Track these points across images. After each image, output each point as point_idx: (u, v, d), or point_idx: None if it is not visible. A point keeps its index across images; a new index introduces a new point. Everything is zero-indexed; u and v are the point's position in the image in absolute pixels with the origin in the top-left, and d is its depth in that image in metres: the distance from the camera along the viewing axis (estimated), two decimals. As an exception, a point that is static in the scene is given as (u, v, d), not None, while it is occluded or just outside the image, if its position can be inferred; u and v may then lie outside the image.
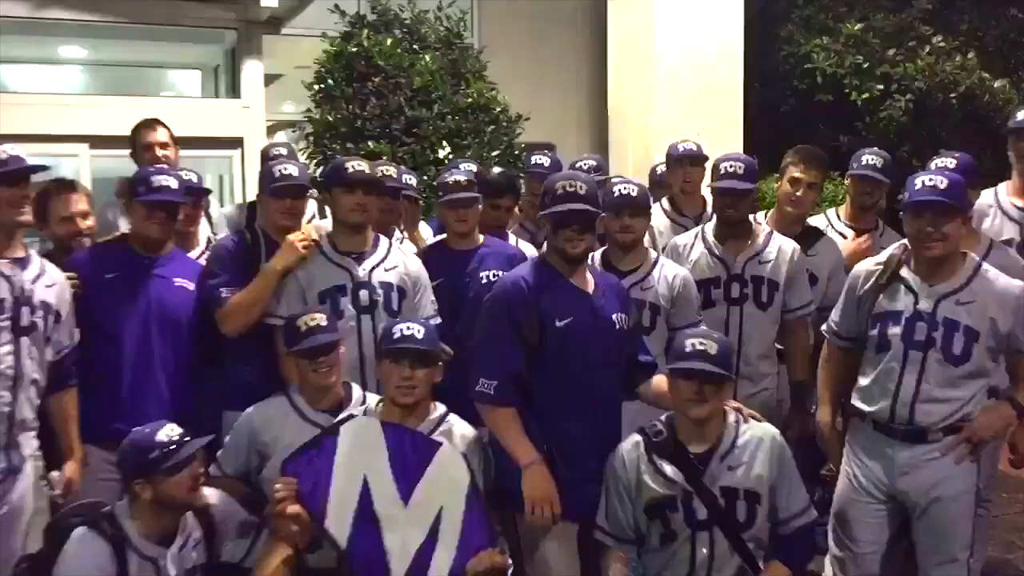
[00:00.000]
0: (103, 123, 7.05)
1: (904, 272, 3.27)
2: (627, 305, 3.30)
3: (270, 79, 9.34)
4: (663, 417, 3.08)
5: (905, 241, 3.33)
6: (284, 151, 4.75)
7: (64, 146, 7.25)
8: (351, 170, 3.56)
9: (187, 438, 2.89)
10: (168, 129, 4.66)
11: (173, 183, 3.56)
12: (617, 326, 3.17)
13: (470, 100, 6.89)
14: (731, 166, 3.90)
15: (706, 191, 4.78)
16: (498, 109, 7.04)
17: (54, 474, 3.29)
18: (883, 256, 3.38)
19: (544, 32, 9.44)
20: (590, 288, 3.16)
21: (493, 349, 3.06)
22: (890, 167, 4.38)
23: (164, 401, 3.51)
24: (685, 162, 4.76)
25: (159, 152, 4.50)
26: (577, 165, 4.75)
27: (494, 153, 6.76)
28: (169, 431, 2.87)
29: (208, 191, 4.27)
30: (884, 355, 3.24)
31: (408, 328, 3.11)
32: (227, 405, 3.66)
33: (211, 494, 3.07)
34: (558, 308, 3.05)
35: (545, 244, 3.34)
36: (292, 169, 3.73)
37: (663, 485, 2.96)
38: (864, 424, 3.35)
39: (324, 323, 3.28)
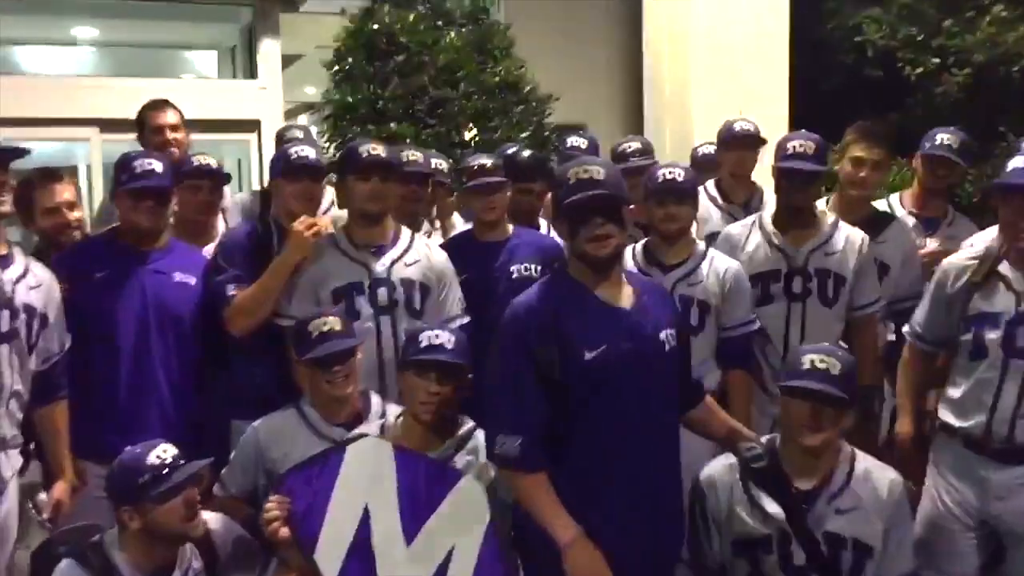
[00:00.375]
0: (114, 106, 6.78)
1: (1003, 268, 2.86)
2: (675, 314, 2.69)
3: (290, 60, 9.06)
4: (764, 439, 2.70)
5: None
6: (300, 133, 4.40)
7: (74, 130, 6.98)
8: (365, 154, 3.22)
9: (182, 460, 2.54)
10: (178, 111, 4.32)
11: (158, 166, 3.23)
12: (667, 347, 2.52)
13: (497, 79, 6.68)
14: (800, 145, 3.52)
15: (756, 177, 4.40)
16: (527, 88, 6.78)
17: (41, 496, 2.96)
18: (978, 249, 2.97)
19: (574, 6, 9.02)
20: (627, 302, 2.50)
21: (511, 398, 2.43)
22: (968, 148, 3.98)
23: (166, 409, 3.21)
24: (741, 143, 4.36)
25: (169, 135, 4.18)
26: (620, 149, 4.40)
27: (523, 135, 6.49)
28: (161, 452, 2.53)
29: (228, 176, 3.92)
30: (980, 363, 2.84)
31: (437, 336, 2.74)
32: (236, 413, 3.33)
33: (212, 519, 2.74)
34: (586, 334, 2.40)
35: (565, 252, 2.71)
36: (308, 151, 3.39)
37: (759, 521, 2.60)
38: (953, 441, 2.95)
39: (339, 327, 2.94)
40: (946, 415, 2.95)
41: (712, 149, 4.78)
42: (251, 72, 8.15)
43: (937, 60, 7.54)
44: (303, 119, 9.06)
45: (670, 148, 6.82)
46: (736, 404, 3.47)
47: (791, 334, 3.55)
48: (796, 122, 6.32)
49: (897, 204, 4.14)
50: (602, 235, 2.37)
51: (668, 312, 2.60)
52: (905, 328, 3.22)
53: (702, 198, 4.23)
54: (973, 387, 2.86)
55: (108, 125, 7.06)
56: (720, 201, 4.36)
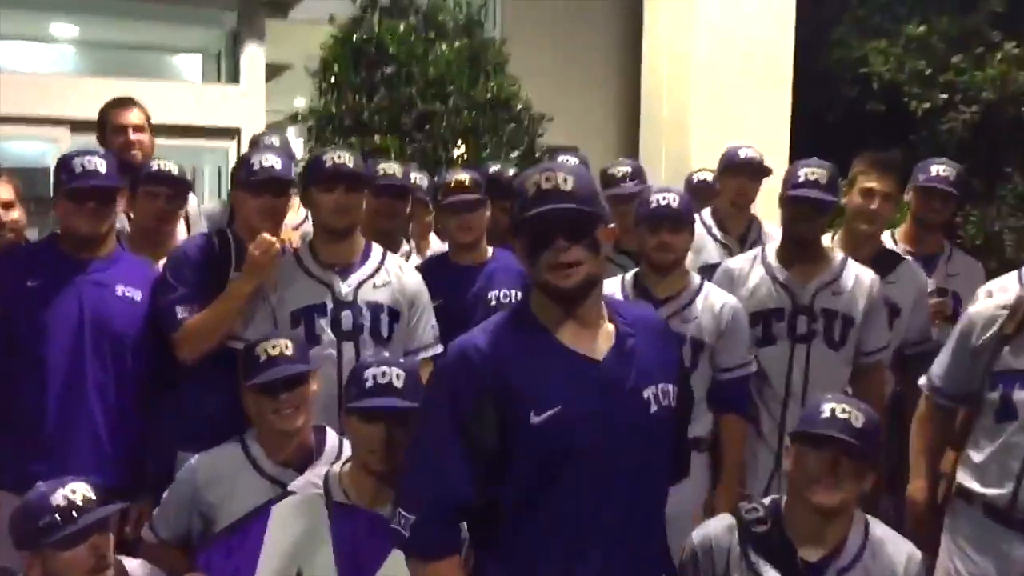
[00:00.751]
0: (88, 106, 6.35)
1: None
2: (675, 363, 2.08)
3: (279, 70, 8.81)
4: (766, 501, 2.39)
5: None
6: (275, 141, 4.07)
7: (44, 129, 6.66)
8: (328, 163, 2.93)
9: (92, 502, 2.21)
10: (144, 110, 4.00)
11: (102, 165, 2.92)
12: (653, 408, 1.93)
13: (489, 95, 6.33)
14: (812, 174, 3.26)
15: (755, 209, 4.15)
16: (520, 106, 6.44)
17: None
18: (1008, 296, 2.68)
19: (571, 23, 8.78)
20: (601, 348, 1.92)
21: (420, 465, 1.94)
22: (964, 181, 3.80)
23: (100, 439, 2.88)
24: (745, 171, 4.08)
25: (132, 136, 3.85)
26: (610, 172, 4.14)
27: (514, 154, 6.17)
28: (70, 492, 2.21)
29: (190, 184, 3.57)
30: (1008, 425, 2.54)
31: (384, 375, 2.40)
32: (184, 445, 2.98)
33: (134, 567, 2.41)
34: (537, 391, 1.86)
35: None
36: (273, 160, 3.07)
37: None
38: (973, 508, 2.64)
39: (289, 351, 2.63)
40: (966, 480, 2.65)
41: (709, 176, 4.51)
42: (235, 78, 7.87)
43: (945, 96, 7.34)
44: (291, 132, 8.76)
45: (665, 175, 6.57)
46: (729, 452, 3.20)
47: (793, 378, 3.31)
48: (796, 153, 6.07)
49: (889, 242, 3.89)
50: (567, 261, 1.83)
51: (666, 360, 2.00)
52: (922, 381, 2.92)
53: (697, 227, 4.00)
54: (999, 451, 2.56)
55: (80, 126, 6.73)
56: (716, 231, 4.10)
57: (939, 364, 2.84)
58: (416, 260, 3.62)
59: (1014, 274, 3.05)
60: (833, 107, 7.82)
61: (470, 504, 1.89)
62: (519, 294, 3.24)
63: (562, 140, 6.66)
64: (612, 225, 2.07)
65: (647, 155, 7.20)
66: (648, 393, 1.92)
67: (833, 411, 2.25)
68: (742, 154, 4.16)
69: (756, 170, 4.11)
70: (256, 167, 3.01)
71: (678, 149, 6.75)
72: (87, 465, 2.74)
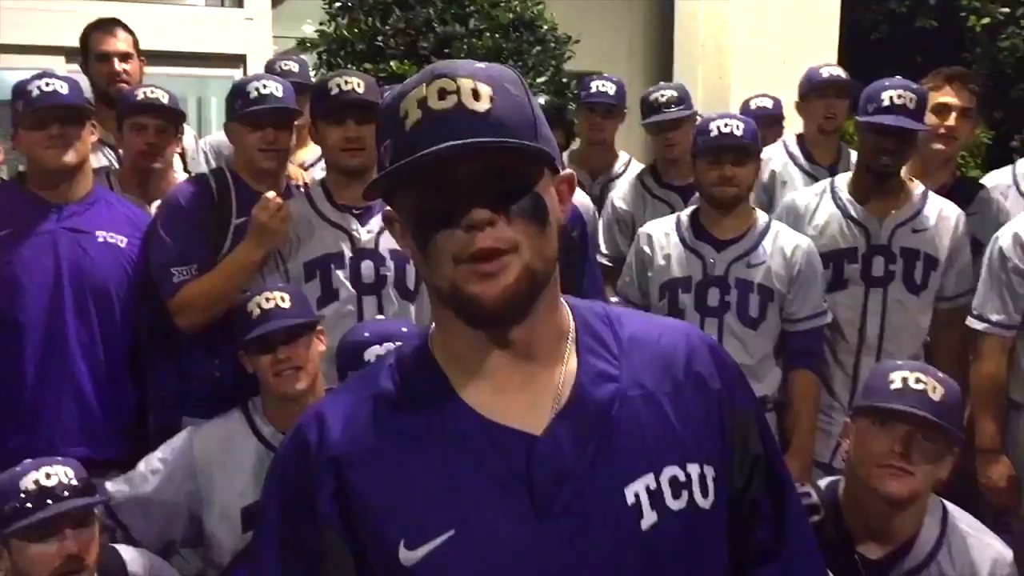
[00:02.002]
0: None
1: None
2: (713, 417, 1.09)
3: (287, -7, 8.31)
4: (822, 484, 2.03)
5: None
6: (295, 66, 3.64)
7: (37, 59, 6.23)
8: (335, 90, 2.56)
9: (71, 489, 1.90)
10: (132, 34, 3.56)
11: (63, 87, 2.57)
12: (648, 518, 1.02)
13: (512, 15, 5.88)
14: (899, 96, 2.87)
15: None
16: (545, 27, 5.99)
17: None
18: None
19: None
20: (541, 410, 1.03)
21: None
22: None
23: (87, 406, 2.59)
24: (831, 90, 3.64)
25: (117, 66, 3.41)
26: (652, 97, 3.77)
27: (540, 79, 5.77)
28: (44, 476, 1.92)
29: (182, 114, 3.12)
30: None
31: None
32: (186, 409, 2.70)
33: (133, 558, 2.11)
34: (412, 504, 1.01)
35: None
36: (273, 86, 2.68)
37: None
38: None
39: (285, 303, 2.32)
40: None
41: (769, 103, 4.08)
42: (239, 2, 7.41)
43: (1006, 10, 6.78)
44: (305, 60, 8.33)
45: (702, 101, 6.11)
46: (801, 414, 2.87)
47: (867, 326, 2.99)
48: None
49: None
50: (486, 247, 0.97)
51: (695, 418, 1.08)
52: (976, 324, 2.81)
53: (781, 156, 3.66)
54: None
55: (75, 55, 6.33)
56: (802, 161, 3.65)
57: (987, 300, 2.79)
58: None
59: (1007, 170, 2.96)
60: (880, 24, 7.29)
61: None
62: None
63: (588, 65, 6.23)
64: (569, 172, 1.11)
65: (682, 79, 6.75)
66: (636, 491, 1.02)
67: (905, 380, 1.89)
68: (825, 72, 3.72)
69: (842, 88, 3.68)
70: (254, 94, 2.63)
71: (716, 75, 6.31)
72: (71, 437, 2.50)
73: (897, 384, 1.88)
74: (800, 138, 3.71)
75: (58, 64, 6.51)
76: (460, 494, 1.00)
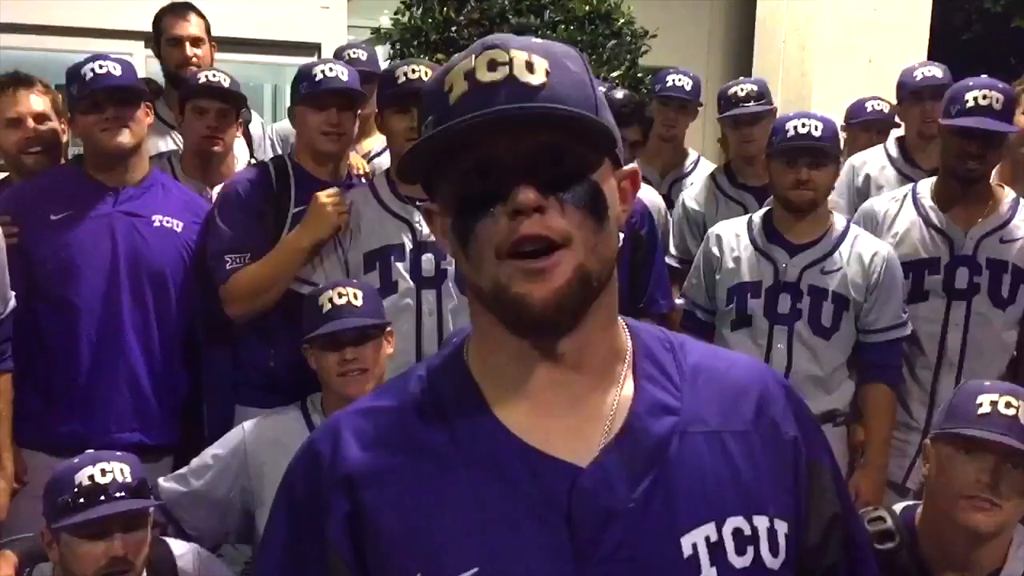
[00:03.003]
0: (162, 19, 6.12)
1: None
2: (785, 462, 0.96)
3: (364, -18, 8.34)
4: (898, 508, 1.91)
5: None
6: (362, 54, 3.60)
7: (117, 43, 6.33)
8: (401, 79, 2.53)
9: (127, 487, 1.87)
10: (204, 19, 3.54)
11: (116, 69, 2.55)
12: (707, 571, 0.89)
13: (588, 7, 5.80)
14: (983, 97, 2.71)
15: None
16: (621, 21, 5.90)
17: (-29, 497, 2.34)
18: None
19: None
20: (590, 439, 0.91)
21: None
22: None
23: (141, 391, 2.58)
24: (926, 94, 3.47)
25: (189, 51, 3.40)
26: (731, 92, 3.64)
27: (614, 74, 5.67)
28: (99, 472, 1.88)
29: (243, 98, 3.06)
30: None
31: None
32: (239, 398, 2.69)
33: (184, 554, 2.08)
34: (435, 536, 0.89)
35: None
36: (340, 70, 2.65)
37: None
38: None
39: (358, 301, 2.24)
40: None
41: (885, 106, 3.90)
42: (316, -10, 7.45)
43: (1109, 10, 6.47)
44: (380, 51, 8.36)
45: (783, 100, 5.92)
46: (876, 429, 2.74)
47: (948, 341, 2.84)
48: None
49: None
50: (533, 233, 0.85)
51: (765, 466, 0.94)
52: None
53: (879, 160, 3.50)
54: None
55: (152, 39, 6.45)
56: (903, 165, 3.47)
57: None
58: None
59: None
60: (973, 23, 7.00)
61: None
62: (620, 236, 2.78)
63: (665, 60, 6.10)
64: (633, 167, 1.00)
65: (762, 77, 6.58)
66: (694, 541, 0.89)
67: (995, 404, 1.76)
68: (918, 75, 3.54)
69: (938, 91, 3.49)
70: (319, 77, 2.60)
71: (796, 75, 6.10)
72: (126, 421, 2.49)
73: (985, 408, 1.75)
74: (901, 141, 3.54)
75: (137, 48, 6.63)
76: (489, 527, 0.87)
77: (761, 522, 0.91)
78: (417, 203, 2.58)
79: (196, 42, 3.42)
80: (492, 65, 0.85)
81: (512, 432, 0.90)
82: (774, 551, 0.90)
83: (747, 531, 0.90)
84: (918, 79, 3.53)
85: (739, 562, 0.89)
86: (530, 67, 0.86)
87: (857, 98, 4.08)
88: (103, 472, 1.86)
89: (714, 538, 0.88)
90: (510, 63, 0.85)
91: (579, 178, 0.87)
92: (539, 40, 0.90)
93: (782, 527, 0.91)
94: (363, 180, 2.80)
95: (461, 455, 0.89)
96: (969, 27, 7.06)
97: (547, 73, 0.86)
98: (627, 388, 0.93)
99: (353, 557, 0.89)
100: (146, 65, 6.57)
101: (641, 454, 0.89)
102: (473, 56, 0.87)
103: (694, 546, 0.88)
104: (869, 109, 3.91)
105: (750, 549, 0.90)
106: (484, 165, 0.85)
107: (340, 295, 2.24)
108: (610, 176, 0.91)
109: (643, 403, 0.92)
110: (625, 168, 0.94)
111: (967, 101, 2.72)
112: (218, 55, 3.57)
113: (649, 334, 0.99)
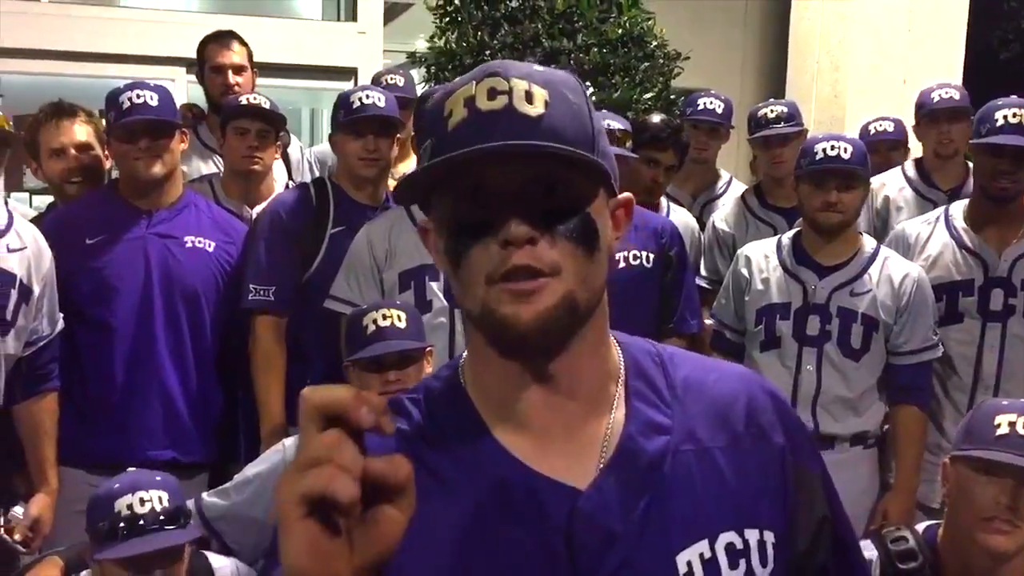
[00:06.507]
0: (202, 45, 6.26)
1: None
2: (774, 472, 0.97)
3: (401, 8, 8.45)
4: (921, 528, 1.91)
5: None
6: (400, 80, 3.66)
7: (159, 69, 6.50)
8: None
9: (165, 516, 1.90)
10: (246, 47, 3.64)
11: (152, 99, 2.60)
12: None
13: (621, 31, 5.82)
14: (1014, 115, 2.71)
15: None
16: (654, 43, 5.92)
17: (16, 511, 2.39)
18: None
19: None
20: (586, 461, 0.92)
21: None
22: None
23: (175, 410, 2.63)
24: (943, 116, 3.48)
25: (231, 78, 3.48)
26: (760, 113, 3.65)
27: (647, 96, 5.67)
28: (138, 501, 1.89)
29: (282, 119, 3.12)
30: None
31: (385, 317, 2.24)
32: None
33: (224, 568, 2.12)
34: (423, 558, 0.86)
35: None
36: (376, 97, 2.72)
37: None
38: None
39: (402, 323, 2.26)
40: None
41: (889, 126, 3.91)
42: (353, 16, 7.56)
43: None
44: (415, 74, 8.47)
45: (815, 122, 5.92)
46: (906, 451, 2.72)
47: (984, 363, 2.82)
48: (969, 96, 5.34)
49: None
50: (523, 264, 0.86)
51: (752, 477, 0.96)
52: None
53: (897, 181, 3.50)
54: None
55: (195, 66, 6.59)
56: (920, 186, 3.48)
57: None
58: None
59: None
60: (1010, 43, 6.95)
61: None
62: (651, 256, 2.81)
63: (700, 82, 6.12)
64: (627, 195, 0.99)
65: (795, 98, 6.55)
66: (688, 559, 0.91)
67: (1013, 425, 1.75)
68: (935, 96, 3.55)
69: (955, 113, 3.50)
70: (356, 104, 2.68)
71: (830, 97, 6.08)
72: (159, 440, 2.55)
73: (1003, 429, 1.75)
74: (919, 162, 3.54)
75: (179, 75, 6.79)
76: (490, 548, 0.87)
77: (752, 535, 0.92)
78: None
79: (238, 70, 3.51)
80: (492, 93, 0.86)
81: (513, 455, 0.90)
82: (763, 562, 0.92)
83: (739, 545, 0.92)
84: (935, 100, 3.53)
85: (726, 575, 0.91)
86: (529, 97, 0.86)
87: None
88: (142, 501, 1.89)
89: (708, 555, 0.90)
90: (510, 92, 0.86)
91: (572, 211, 0.87)
92: (540, 68, 0.91)
93: (770, 537, 0.93)
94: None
95: (464, 476, 0.90)
96: (1007, 46, 7.00)
97: (546, 104, 0.87)
98: (620, 409, 0.94)
99: None
100: (188, 90, 6.75)
101: (636, 476, 0.90)
102: (474, 82, 0.88)
103: (689, 564, 0.89)
104: (872, 131, 3.91)
105: (742, 562, 0.91)
106: (478, 193, 0.86)
107: (384, 317, 2.25)
108: (604, 207, 0.92)
109: (635, 424, 0.93)
110: (620, 197, 0.95)
111: (997, 120, 2.72)
112: (258, 80, 3.66)
113: (640, 349, 1.00)
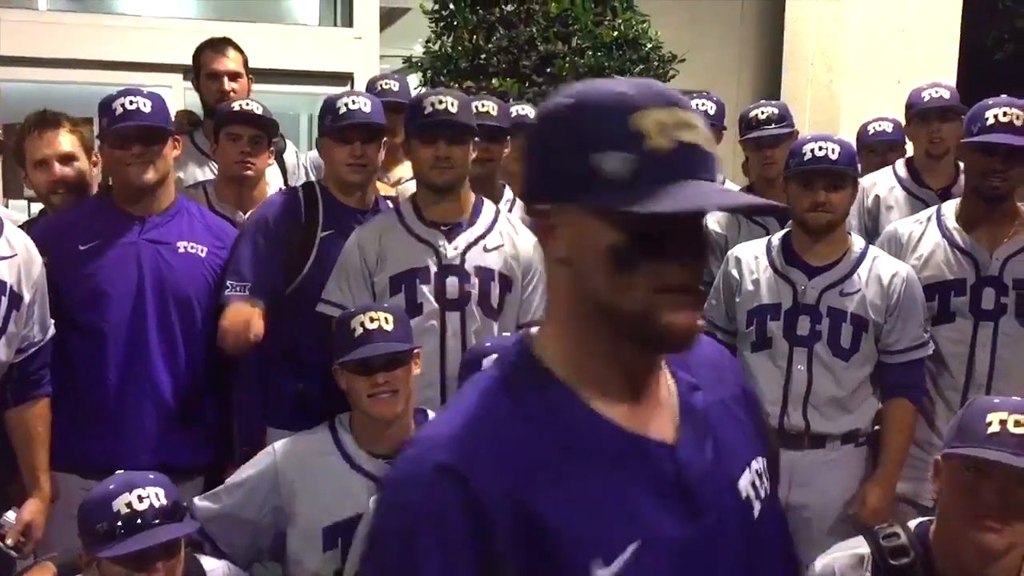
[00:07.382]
0: (199, 51, 6.27)
1: None
2: (755, 415, 1.23)
3: (398, 14, 8.47)
4: (913, 524, 1.91)
5: None
6: (395, 85, 3.67)
7: (156, 75, 6.51)
8: (428, 109, 2.57)
9: (163, 511, 1.91)
10: (242, 54, 3.65)
11: (145, 105, 2.60)
12: (756, 508, 1.13)
13: (616, 33, 5.85)
14: (1004, 114, 2.73)
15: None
16: (649, 46, 5.95)
17: (8, 516, 2.40)
18: None
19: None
20: (663, 420, 1.08)
21: None
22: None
23: (168, 415, 2.63)
24: (933, 115, 3.49)
25: (227, 85, 3.49)
26: (751, 115, 3.65)
27: (642, 98, 5.65)
28: (136, 499, 1.92)
29: (275, 124, 3.12)
30: None
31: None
32: (270, 420, 2.77)
33: (215, 571, 2.13)
34: (594, 519, 1.00)
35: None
36: (362, 102, 2.74)
37: None
38: None
39: (389, 325, 2.28)
40: None
41: (888, 126, 3.91)
42: (349, 22, 7.59)
43: None
44: (413, 80, 8.49)
45: (810, 123, 5.94)
46: (893, 439, 2.75)
47: (976, 361, 2.83)
48: (962, 96, 5.35)
49: None
50: (695, 261, 1.03)
51: (747, 419, 1.19)
52: None
53: (888, 180, 3.52)
54: None
55: (191, 72, 6.60)
56: (911, 185, 3.50)
57: None
58: (521, 211, 3.21)
59: None
60: (1005, 42, 6.96)
61: None
62: None
63: (696, 84, 6.13)
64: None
65: (790, 100, 6.56)
66: (742, 485, 1.11)
67: (1004, 424, 1.73)
68: (925, 96, 3.56)
69: (945, 112, 3.51)
70: (342, 110, 2.70)
71: (825, 94, 6.10)
72: (152, 443, 2.55)
73: (994, 427, 1.73)
74: (910, 162, 3.56)
75: (175, 81, 6.80)
76: (628, 505, 1.01)
77: (759, 463, 1.15)
78: (442, 227, 2.64)
79: (234, 76, 3.52)
80: (687, 126, 0.98)
81: (615, 423, 1.04)
82: (765, 483, 1.16)
83: (759, 468, 1.15)
84: (925, 100, 3.54)
85: (761, 495, 1.13)
86: (706, 136, 1.01)
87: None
88: (140, 499, 1.90)
89: (751, 479, 1.13)
90: (696, 128, 0.99)
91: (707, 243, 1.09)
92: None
93: (763, 463, 1.17)
94: (389, 204, 2.86)
95: (583, 448, 1.02)
96: (1001, 46, 7.01)
97: (709, 140, 1.01)
98: (667, 375, 1.12)
99: (522, 564, 0.97)
100: (184, 97, 6.76)
101: (698, 426, 1.10)
102: (663, 108, 0.98)
103: (744, 488, 1.12)
104: (871, 132, 3.91)
105: (762, 483, 1.15)
106: (680, 224, 0.98)
107: (372, 319, 2.28)
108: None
109: (683, 386, 1.12)
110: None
111: (988, 119, 2.74)
112: (254, 86, 3.67)
113: None
